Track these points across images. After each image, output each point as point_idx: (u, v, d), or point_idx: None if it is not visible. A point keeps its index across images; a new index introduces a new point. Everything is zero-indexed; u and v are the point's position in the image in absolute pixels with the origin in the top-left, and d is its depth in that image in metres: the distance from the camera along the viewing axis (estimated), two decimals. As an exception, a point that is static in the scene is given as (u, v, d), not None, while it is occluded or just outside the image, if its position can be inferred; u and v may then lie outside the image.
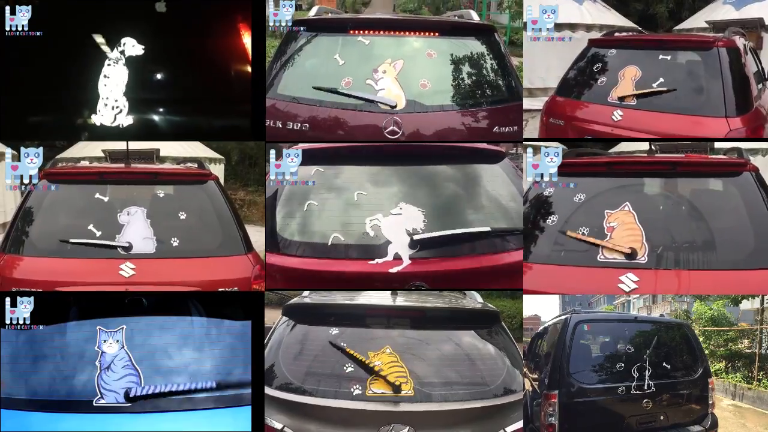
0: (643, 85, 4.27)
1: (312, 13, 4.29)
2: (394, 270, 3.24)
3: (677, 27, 10.23)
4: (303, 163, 3.56)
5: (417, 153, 3.62)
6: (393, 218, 3.31)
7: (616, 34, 5.03)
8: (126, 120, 4.01)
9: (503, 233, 3.39)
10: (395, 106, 3.67)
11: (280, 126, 3.82)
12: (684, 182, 3.53)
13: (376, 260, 3.25)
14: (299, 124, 3.79)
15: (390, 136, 3.66)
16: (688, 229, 3.30)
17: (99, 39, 4.08)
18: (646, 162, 3.76)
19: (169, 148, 8.58)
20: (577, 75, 4.76)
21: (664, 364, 4.25)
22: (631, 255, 3.25)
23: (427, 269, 3.26)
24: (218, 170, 11.14)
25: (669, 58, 4.32)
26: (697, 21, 9.46)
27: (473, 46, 3.93)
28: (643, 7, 11.50)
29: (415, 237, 3.26)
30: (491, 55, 3.95)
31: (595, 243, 3.28)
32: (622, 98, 4.28)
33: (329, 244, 3.30)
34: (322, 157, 3.57)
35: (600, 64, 4.58)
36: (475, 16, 4.37)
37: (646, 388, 4.08)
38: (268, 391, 3.10)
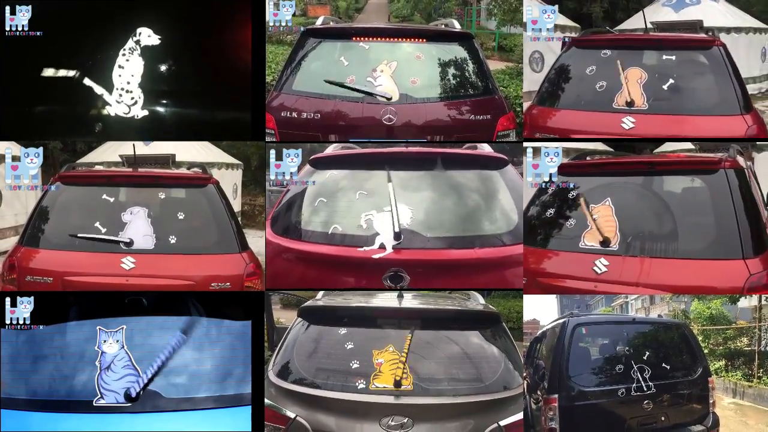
0: (652, 87, 4.07)
1: (319, 22, 4.92)
2: (377, 256, 3.56)
3: (617, 28, 10.07)
4: (318, 168, 3.99)
5: (420, 158, 3.93)
6: (385, 214, 3.63)
7: (592, 35, 4.68)
8: (141, 112, 4.18)
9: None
10: (391, 98, 4.31)
11: (295, 116, 4.37)
12: (659, 180, 3.78)
13: (364, 248, 3.58)
14: (311, 114, 4.36)
15: (386, 123, 4.29)
16: (656, 222, 3.58)
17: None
18: (630, 162, 4.00)
19: (185, 153, 8.58)
20: (562, 81, 4.41)
21: (663, 364, 4.25)
22: (605, 243, 3.60)
23: (406, 257, 3.55)
24: (236, 175, 11.09)
25: (674, 57, 4.15)
26: (638, 22, 9.28)
27: (455, 50, 4.61)
28: (575, 6, 11.37)
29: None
30: (469, 57, 4.61)
31: None
32: (630, 103, 4.08)
33: (329, 233, 3.67)
34: (332, 163, 4.03)
35: (593, 67, 4.27)
36: (457, 25, 5.01)
37: (646, 389, 4.07)
38: (283, 384, 3.32)
